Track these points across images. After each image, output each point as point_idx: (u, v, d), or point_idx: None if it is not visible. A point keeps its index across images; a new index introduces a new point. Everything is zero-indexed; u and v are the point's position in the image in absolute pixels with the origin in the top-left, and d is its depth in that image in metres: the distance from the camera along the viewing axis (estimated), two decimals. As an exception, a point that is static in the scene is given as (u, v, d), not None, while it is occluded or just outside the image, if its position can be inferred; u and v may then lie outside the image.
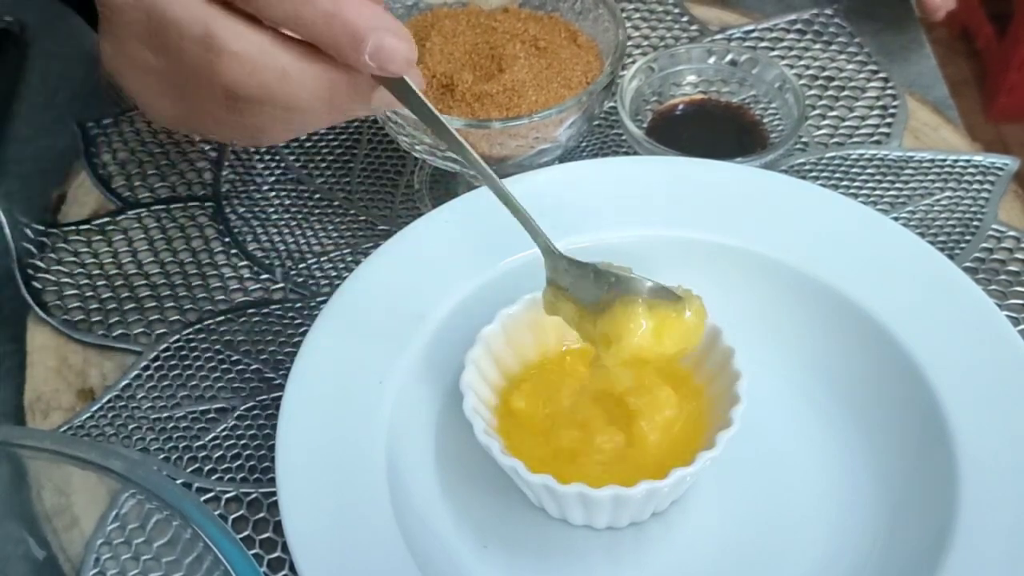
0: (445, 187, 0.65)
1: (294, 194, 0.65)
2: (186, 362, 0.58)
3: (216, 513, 0.50)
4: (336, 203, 0.65)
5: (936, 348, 0.52)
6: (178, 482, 0.53)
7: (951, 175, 0.65)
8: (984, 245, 0.62)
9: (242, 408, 0.56)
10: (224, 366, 0.58)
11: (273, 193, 0.65)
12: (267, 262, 0.62)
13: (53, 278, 0.61)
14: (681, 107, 0.67)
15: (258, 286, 0.61)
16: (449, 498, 0.51)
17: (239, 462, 0.54)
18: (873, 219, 0.57)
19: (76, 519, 0.50)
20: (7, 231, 0.61)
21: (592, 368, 0.50)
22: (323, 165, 0.67)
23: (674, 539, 0.50)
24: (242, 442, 0.55)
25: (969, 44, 1.84)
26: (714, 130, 0.66)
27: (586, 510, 0.48)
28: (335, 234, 0.63)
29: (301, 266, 0.62)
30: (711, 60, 0.67)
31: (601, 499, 0.47)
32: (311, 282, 0.61)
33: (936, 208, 0.64)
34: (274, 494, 0.49)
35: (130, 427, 0.55)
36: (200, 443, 0.55)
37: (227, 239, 0.63)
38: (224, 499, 0.53)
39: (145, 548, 0.47)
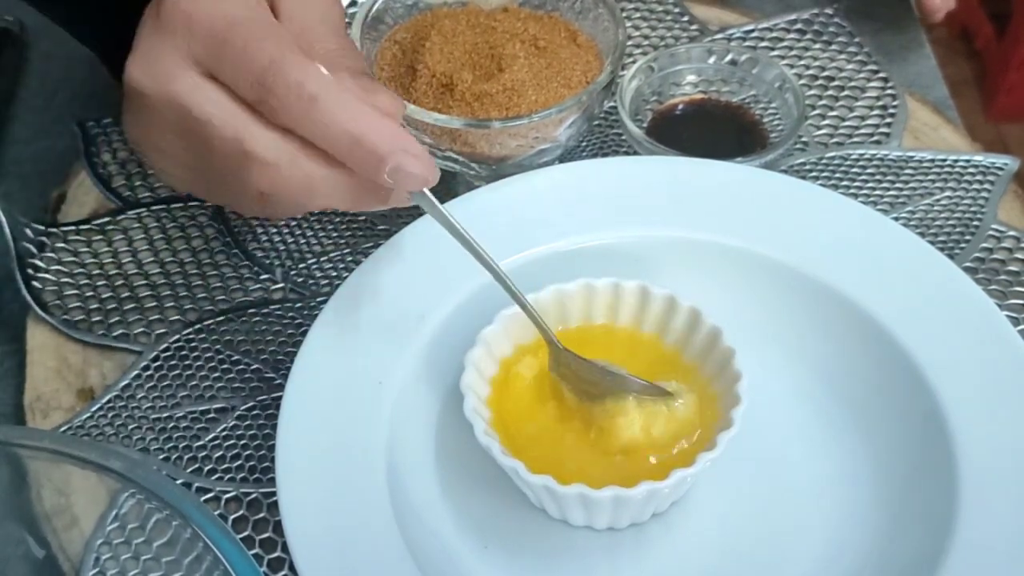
0: (445, 187, 0.65)
1: (294, 194, 0.65)
2: (186, 362, 0.58)
3: (216, 513, 0.50)
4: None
5: (936, 348, 0.52)
6: (178, 482, 0.53)
7: (951, 175, 0.65)
8: (984, 245, 0.62)
9: (242, 408, 0.56)
10: (224, 366, 0.58)
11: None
12: (267, 262, 0.62)
13: (53, 278, 0.61)
14: (681, 107, 0.67)
15: (258, 286, 0.61)
16: (449, 498, 0.51)
17: (239, 462, 0.54)
18: (873, 219, 0.57)
19: (76, 519, 0.50)
20: (7, 231, 0.61)
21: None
22: (323, 165, 0.67)
23: (674, 540, 0.50)
24: (242, 442, 0.55)
25: (969, 44, 1.84)
26: (714, 130, 0.66)
27: (586, 511, 0.48)
28: (335, 234, 0.63)
29: (301, 266, 0.62)
30: (711, 60, 0.67)
31: (601, 500, 0.47)
32: (311, 282, 0.61)
33: (936, 208, 0.64)
34: (274, 494, 0.49)
35: (130, 427, 0.55)
36: (200, 443, 0.55)
37: (227, 239, 0.63)
38: (224, 499, 0.53)
39: (145, 548, 0.47)
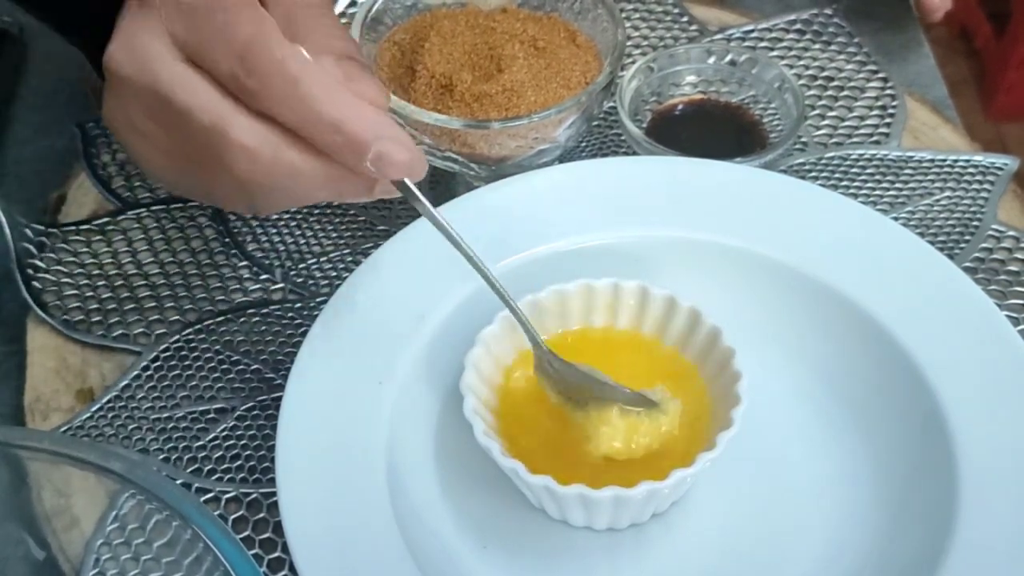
0: (445, 187, 0.65)
1: (294, 194, 0.65)
2: (186, 362, 0.58)
3: (216, 513, 0.50)
4: (336, 203, 0.65)
5: (936, 348, 0.52)
6: (178, 482, 0.53)
7: (950, 175, 0.65)
8: (984, 245, 0.62)
9: (242, 408, 0.56)
10: (224, 366, 0.58)
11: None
12: (267, 262, 0.62)
13: (53, 278, 0.61)
14: (680, 107, 0.67)
15: (258, 286, 0.61)
16: (449, 498, 0.51)
17: (239, 462, 0.54)
18: (873, 219, 0.57)
19: (76, 520, 0.50)
20: (7, 231, 0.61)
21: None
22: (323, 165, 0.67)
23: (674, 540, 0.50)
24: (242, 442, 0.55)
25: (968, 43, 1.84)
26: (713, 130, 0.66)
27: (586, 511, 0.48)
28: (335, 234, 0.63)
29: (301, 266, 0.62)
30: (710, 60, 0.67)
31: (601, 500, 0.47)
32: (311, 282, 0.61)
33: (936, 208, 0.64)
34: (274, 494, 0.49)
35: (130, 427, 0.55)
36: (200, 443, 0.55)
37: (227, 239, 0.63)
38: (224, 499, 0.53)
39: (145, 549, 0.47)
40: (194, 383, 0.57)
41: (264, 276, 0.62)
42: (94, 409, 0.56)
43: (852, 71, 0.72)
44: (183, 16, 0.46)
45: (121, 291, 0.61)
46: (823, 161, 0.66)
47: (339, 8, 0.74)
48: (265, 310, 0.60)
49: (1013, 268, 0.61)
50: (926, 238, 0.57)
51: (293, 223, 0.64)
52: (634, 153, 0.63)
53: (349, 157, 0.45)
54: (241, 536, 0.51)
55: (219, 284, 0.61)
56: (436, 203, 0.57)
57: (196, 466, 0.54)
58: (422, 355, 0.53)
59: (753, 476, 0.51)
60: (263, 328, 0.59)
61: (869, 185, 0.65)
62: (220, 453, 0.54)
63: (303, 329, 0.58)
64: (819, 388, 0.54)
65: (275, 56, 0.44)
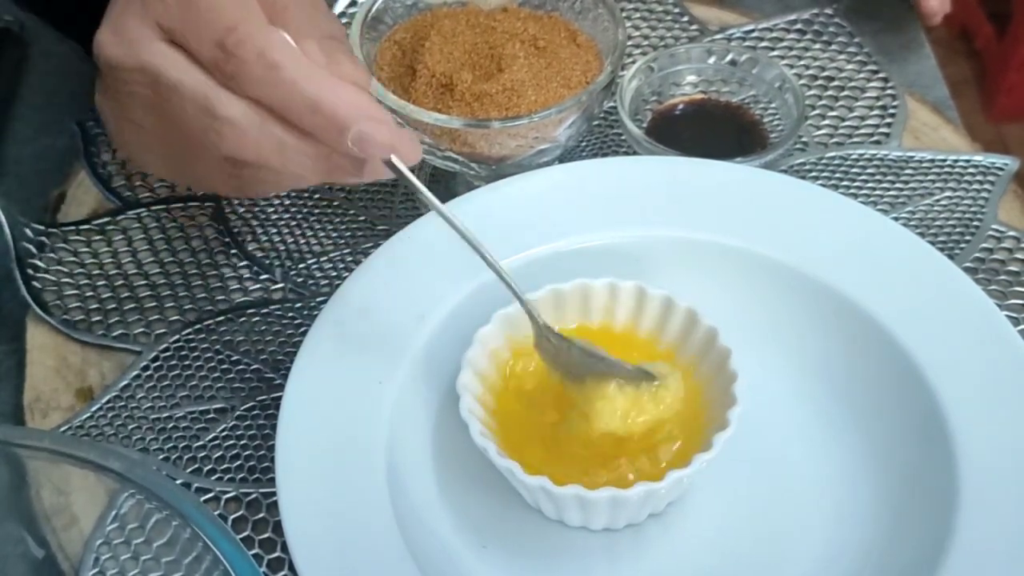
0: (445, 187, 0.65)
1: (294, 194, 0.65)
2: (186, 362, 0.58)
3: (216, 513, 0.50)
4: (336, 203, 0.65)
5: (936, 348, 0.52)
6: (178, 482, 0.53)
7: (951, 175, 0.65)
8: (984, 245, 0.62)
9: (242, 408, 0.56)
10: (224, 366, 0.57)
11: (273, 194, 0.65)
12: (267, 262, 0.62)
13: (53, 278, 0.61)
14: (681, 107, 0.67)
15: (258, 286, 0.61)
16: (449, 498, 0.51)
17: (239, 462, 0.54)
18: (873, 219, 0.57)
19: (75, 519, 0.50)
20: (7, 231, 0.61)
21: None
22: (323, 165, 0.67)
23: (672, 540, 0.50)
24: (242, 442, 0.55)
25: (969, 44, 1.84)
26: (714, 130, 0.66)
27: (583, 512, 0.48)
28: (335, 234, 0.63)
29: (301, 266, 0.62)
30: (711, 60, 0.67)
31: (597, 501, 0.47)
32: (311, 282, 0.61)
33: (936, 208, 0.64)
34: (274, 494, 0.49)
35: (129, 427, 0.55)
36: (200, 443, 0.55)
37: (227, 239, 0.63)
38: (224, 499, 0.53)
39: (144, 548, 0.47)
40: (194, 383, 0.57)
41: (264, 276, 0.62)
42: (94, 408, 0.56)
43: (853, 71, 0.71)
44: (168, 4, 0.46)
45: (121, 291, 0.61)
46: (823, 161, 0.66)
47: (339, 8, 0.74)
48: (265, 310, 0.60)
49: (1013, 268, 0.61)
50: (926, 238, 0.57)
51: (293, 223, 0.64)
52: (634, 153, 0.63)
53: (330, 137, 0.45)
54: (241, 536, 0.51)
55: (219, 284, 0.61)
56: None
57: (196, 466, 0.54)
58: (422, 355, 0.53)
59: (752, 476, 0.51)
60: (263, 328, 0.59)
61: (869, 185, 0.65)
62: (220, 453, 0.54)
63: (303, 329, 0.58)
64: (819, 388, 0.54)
65: (255, 41, 0.44)
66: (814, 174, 0.65)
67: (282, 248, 0.63)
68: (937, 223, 0.63)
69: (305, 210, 0.64)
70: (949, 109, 0.70)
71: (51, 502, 0.49)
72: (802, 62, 0.72)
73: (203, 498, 0.53)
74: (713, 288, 0.54)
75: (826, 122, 0.69)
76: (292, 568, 0.49)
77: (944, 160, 0.66)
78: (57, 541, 0.49)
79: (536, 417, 0.50)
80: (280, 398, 0.50)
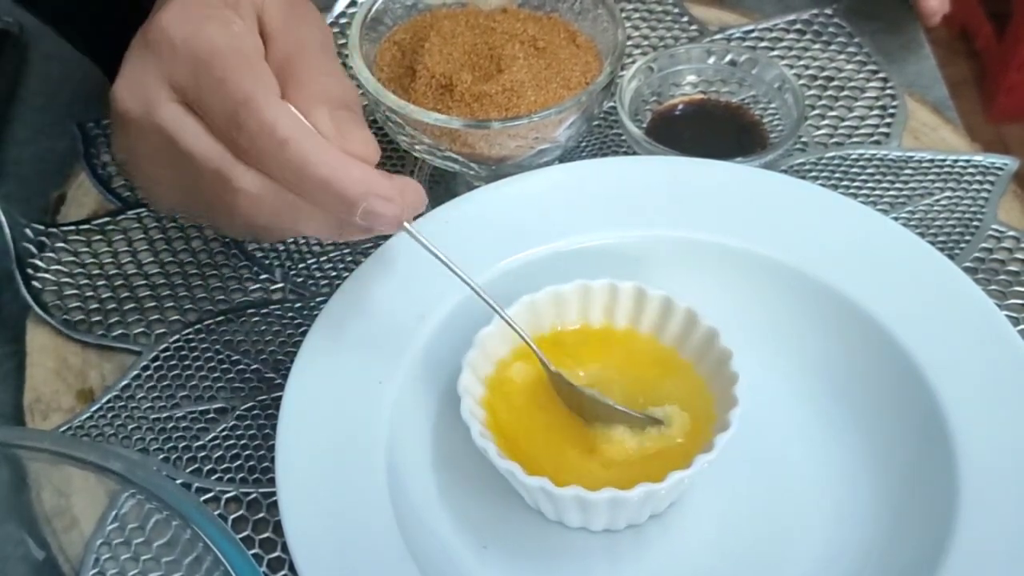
0: (445, 187, 0.65)
1: (294, 194, 0.65)
2: (186, 362, 0.58)
3: (216, 513, 0.50)
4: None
5: (936, 348, 0.52)
6: (178, 482, 0.53)
7: (951, 175, 0.65)
8: (984, 245, 0.62)
9: (242, 408, 0.56)
10: (224, 366, 0.58)
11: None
12: (267, 262, 0.62)
13: (53, 278, 0.61)
14: (681, 107, 0.67)
15: (258, 286, 0.61)
16: (449, 498, 0.51)
17: (239, 462, 0.54)
18: (873, 219, 0.57)
19: (75, 520, 0.50)
20: (7, 231, 0.61)
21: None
22: (323, 165, 0.67)
23: (672, 541, 0.50)
24: (242, 442, 0.55)
25: (968, 44, 1.84)
26: (714, 130, 0.66)
27: (583, 513, 0.48)
28: (335, 234, 0.63)
29: (301, 266, 0.62)
30: (711, 60, 0.67)
31: (598, 502, 0.46)
32: (311, 282, 0.61)
33: (936, 208, 0.64)
34: (274, 494, 0.49)
35: (130, 427, 0.55)
36: (200, 443, 0.55)
37: (227, 239, 0.63)
38: (224, 499, 0.53)
39: (144, 548, 0.47)
40: (194, 383, 0.57)
41: (264, 276, 0.62)
42: (94, 409, 0.56)
43: (852, 71, 0.72)
44: (182, 66, 0.47)
45: (121, 291, 0.61)
46: (823, 161, 0.66)
47: (339, 8, 0.74)
48: (265, 310, 0.60)
49: (1013, 268, 0.61)
50: (926, 238, 0.57)
51: (293, 223, 0.64)
52: (634, 153, 0.63)
53: (340, 213, 0.46)
54: (241, 536, 0.51)
55: (219, 284, 0.61)
56: (436, 203, 0.57)
57: (196, 466, 0.54)
58: (422, 355, 0.53)
59: (752, 476, 0.51)
60: (263, 328, 0.59)
61: (869, 185, 0.65)
62: (220, 453, 0.54)
63: (303, 329, 0.58)
64: (819, 388, 0.54)
65: (265, 118, 0.45)
66: (814, 174, 0.65)
67: (282, 248, 0.63)
68: (937, 223, 0.63)
69: (305, 210, 0.64)
70: (949, 109, 0.70)
71: (52, 503, 0.49)
72: (802, 62, 0.72)
73: (203, 498, 0.53)
74: (713, 288, 0.54)
75: (826, 122, 0.69)
76: (292, 568, 0.49)
77: (944, 160, 0.66)
78: (58, 542, 0.49)
79: (536, 417, 0.50)
80: (280, 398, 0.50)
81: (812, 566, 0.49)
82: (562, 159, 0.61)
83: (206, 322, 0.59)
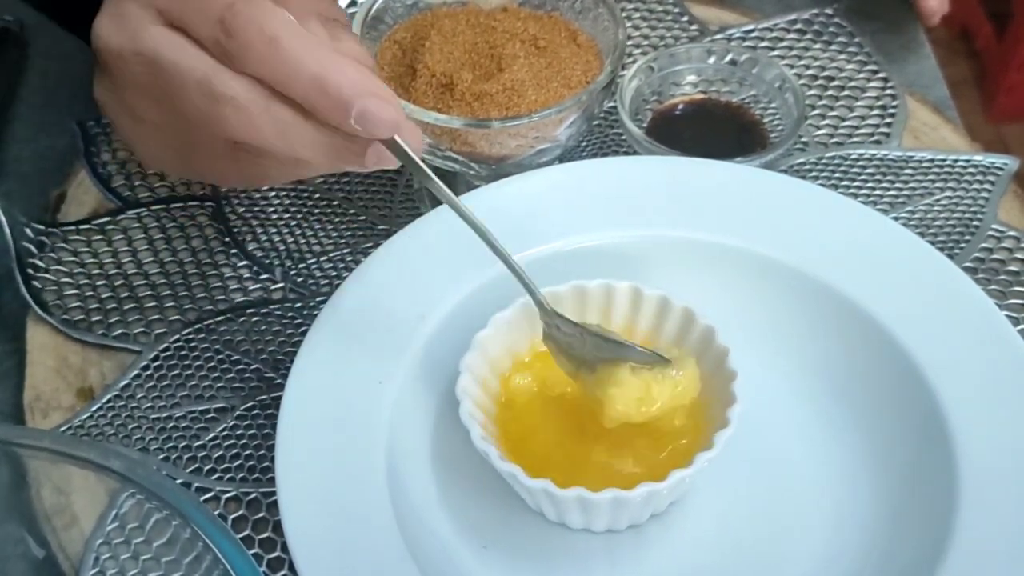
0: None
1: (294, 194, 0.65)
2: (186, 362, 0.58)
3: (216, 513, 0.50)
4: (336, 203, 0.65)
5: (936, 348, 0.52)
6: (178, 482, 0.53)
7: (951, 175, 0.65)
8: (984, 245, 0.62)
9: (242, 408, 0.56)
10: (224, 366, 0.57)
11: (273, 193, 0.65)
12: (267, 262, 0.62)
13: (53, 278, 0.61)
14: (681, 107, 0.67)
15: (258, 286, 0.61)
16: (449, 498, 0.51)
17: (239, 462, 0.54)
18: (873, 219, 0.57)
19: (75, 518, 0.50)
20: (7, 231, 0.61)
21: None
22: (323, 165, 0.67)
23: (673, 540, 0.50)
24: (242, 442, 0.55)
25: (969, 44, 1.84)
26: (714, 130, 0.66)
27: (585, 513, 0.48)
28: (335, 234, 0.63)
29: (301, 266, 0.62)
30: (711, 60, 0.67)
31: (600, 502, 0.46)
32: (311, 282, 0.61)
33: (936, 208, 0.64)
34: (274, 494, 0.49)
35: (130, 427, 0.55)
36: (200, 443, 0.55)
37: (227, 239, 0.63)
38: (224, 499, 0.53)
39: (144, 548, 0.47)
40: (194, 383, 0.57)
41: (264, 276, 0.62)
42: (94, 408, 0.56)
43: (853, 71, 0.71)
44: None
45: (121, 290, 0.61)
46: (823, 161, 0.66)
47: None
48: (265, 310, 0.60)
49: (1013, 268, 0.61)
50: (926, 238, 0.57)
51: (293, 223, 0.64)
52: (634, 153, 0.63)
53: (333, 114, 0.44)
54: (241, 535, 0.51)
55: (219, 284, 0.61)
56: (436, 203, 0.57)
57: (196, 466, 0.54)
58: (422, 355, 0.53)
59: (752, 476, 0.51)
60: (263, 328, 0.59)
61: (869, 185, 0.65)
62: (220, 453, 0.54)
63: (303, 329, 0.58)
64: (819, 388, 0.54)
65: (255, 16, 0.44)
66: (814, 174, 0.65)
67: (282, 248, 0.63)
68: (937, 223, 0.63)
69: (305, 210, 0.64)
70: (949, 109, 0.70)
71: (51, 502, 0.49)
72: (802, 62, 0.72)
73: (203, 498, 0.53)
74: (713, 288, 0.54)
75: (826, 122, 0.69)
76: (292, 568, 0.49)
77: (944, 160, 0.66)
78: (57, 541, 0.49)
79: (536, 418, 0.50)
80: (280, 398, 0.50)
81: (812, 566, 0.49)
82: (562, 159, 0.61)
83: (206, 322, 0.59)
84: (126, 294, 0.61)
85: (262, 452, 0.54)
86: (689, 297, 0.52)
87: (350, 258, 0.62)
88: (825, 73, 0.72)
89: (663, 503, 0.50)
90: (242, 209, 0.64)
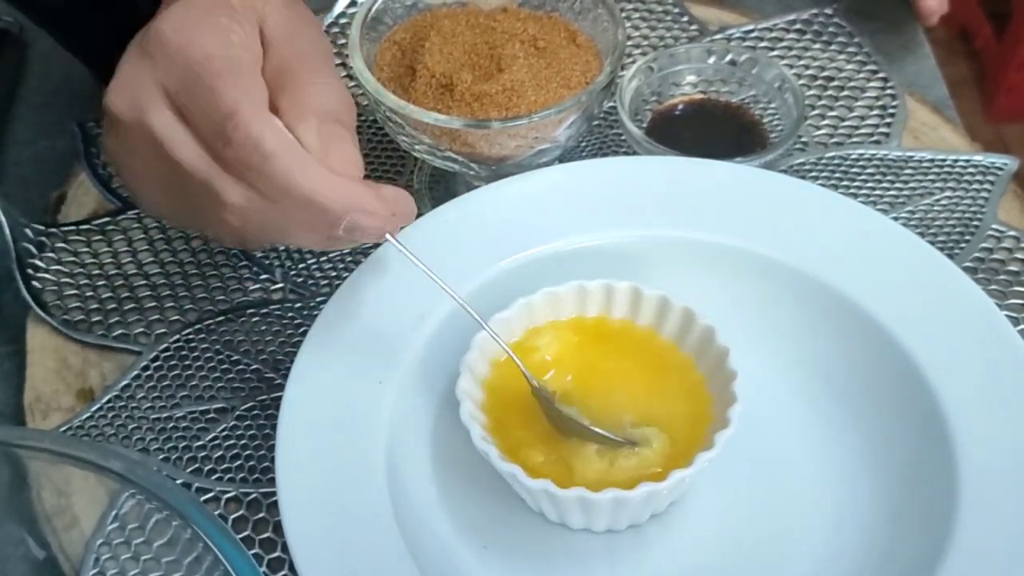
0: (445, 187, 0.65)
1: (294, 194, 0.65)
2: (186, 362, 0.58)
3: (216, 513, 0.50)
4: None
5: (936, 348, 0.52)
6: (178, 482, 0.53)
7: (951, 175, 0.65)
8: (984, 245, 0.62)
9: (242, 408, 0.56)
10: (224, 366, 0.58)
11: None
12: (267, 262, 0.62)
13: (53, 278, 0.61)
14: (681, 107, 0.67)
15: (258, 286, 0.61)
16: (449, 498, 0.51)
17: (239, 462, 0.54)
18: (873, 219, 0.57)
19: (76, 519, 0.50)
20: (7, 231, 0.61)
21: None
22: (323, 165, 0.67)
23: (673, 540, 0.50)
24: (242, 442, 0.55)
25: (968, 44, 1.84)
26: (714, 130, 0.66)
27: (586, 513, 0.48)
28: (335, 234, 0.63)
29: (301, 266, 0.62)
30: (711, 60, 0.67)
31: (600, 502, 0.46)
32: (311, 282, 0.61)
33: (936, 208, 0.64)
34: (274, 494, 0.49)
35: (130, 427, 0.55)
36: (200, 443, 0.55)
37: (227, 239, 0.63)
38: (224, 499, 0.53)
39: (145, 548, 0.47)
40: (194, 383, 0.57)
41: (264, 276, 0.62)
42: (94, 409, 0.56)
43: (852, 71, 0.72)
44: (175, 72, 0.47)
45: (121, 291, 0.61)
46: (823, 161, 0.66)
47: (339, 8, 0.74)
48: (265, 310, 0.60)
49: (1013, 268, 0.61)
50: (926, 238, 0.57)
51: (293, 223, 0.64)
52: (634, 153, 0.63)
53: (323, 228, 0.47)
54: (241, 536, 0.51)
55: (219, 284, 0.61)
56: (436, 203, 0.58)
57: (196, 466, 0.54)
58: (422, 355, 0.53)
59: (752, 476, 0.51)
60: (263, 328, 0.59)
61: (869, 185, 0.65)
62: (220, 453, 0.54)
63: (303, 329, 0.58)
64: (819, 388, 0.54)
65: (251, 132, 0.45)
66: (814, 174, 0.65)
67: (282, 248, 0.63)
68: (937, 223, 0.63)
69: (305, 210, 0.64)
70: (949, 109, 0.70)
71: (52, 503, 0.50)
72: (802, 62, 0.72)
73: (203, 498, 0.53)
74: (713, 288, 0.54)
75: (826, 122, 0.69)
76: (292, 568, 0.49)
77: (944, 160, 0.66)
78: (58, 542, 0.49)
79: (535, 418, 0.50)
80: (280, 398, 0.50)
81: (812, 566, 0.49)
82: (562, 159, 0.61)
83: (206, 322, 0.59)
84: (126, 294, 0.61)
85: (262, 452, 0.54)
86: (689, 297, 0.52)
87: (350, 258, 0.62)
88: (825, 73, 0.72)
89: (663, 503, 0.50)
90: (242, 209, 0.64)
